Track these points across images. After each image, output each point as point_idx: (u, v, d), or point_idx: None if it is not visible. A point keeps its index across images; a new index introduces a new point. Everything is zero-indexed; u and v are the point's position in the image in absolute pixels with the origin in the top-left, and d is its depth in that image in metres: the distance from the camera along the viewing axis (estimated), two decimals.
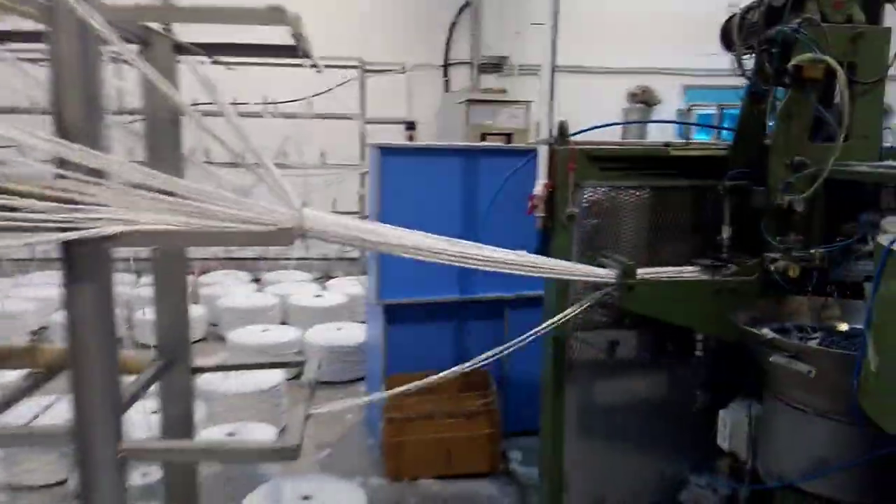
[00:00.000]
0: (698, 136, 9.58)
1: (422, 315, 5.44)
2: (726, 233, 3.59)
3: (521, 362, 5.39)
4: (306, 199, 2.13)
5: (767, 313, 3.30)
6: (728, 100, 10.26)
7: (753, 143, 3.69)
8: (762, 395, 3.20)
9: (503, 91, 9.87)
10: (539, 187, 3.77)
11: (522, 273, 3.04)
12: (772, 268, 3.27)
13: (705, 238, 3.82)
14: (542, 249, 3.87)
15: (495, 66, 11.73)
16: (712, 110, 11.18)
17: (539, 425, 4.09)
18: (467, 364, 2.89)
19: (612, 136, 6.98)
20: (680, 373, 3.98)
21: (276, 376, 5.84)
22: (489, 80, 11.42)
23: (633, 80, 11.15)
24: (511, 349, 3.03)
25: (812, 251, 3.24)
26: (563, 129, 3.71)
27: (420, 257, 2.39)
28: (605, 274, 3.43)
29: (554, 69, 3.71)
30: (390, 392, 2.90)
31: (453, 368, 2.91)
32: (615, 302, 3.38)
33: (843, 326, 3.19)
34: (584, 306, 3.47)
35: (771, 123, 3.53)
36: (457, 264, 2.56)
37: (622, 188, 3.83)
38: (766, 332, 2.96)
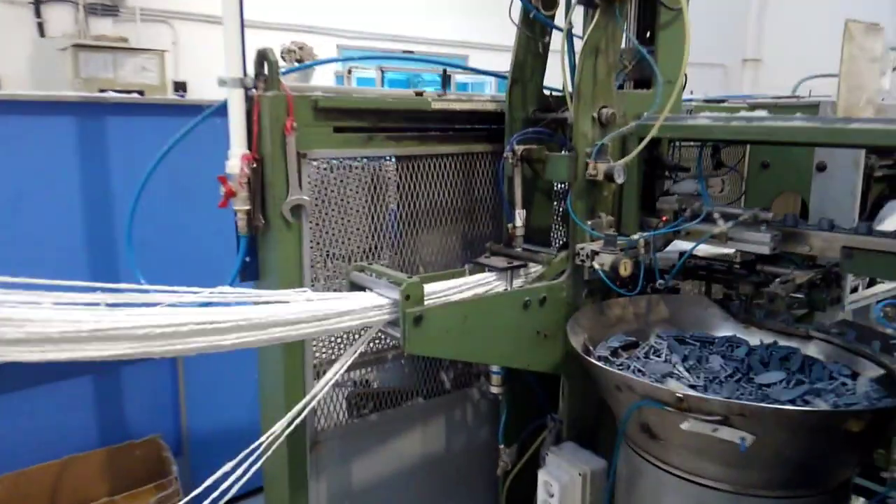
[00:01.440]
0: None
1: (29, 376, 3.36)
2: (520, 218, 2.55)
3: (205, 413, 3.77)
4: None
5: (597, 329, 2.36)
6: (387, 64, 9.65)
7: (536, 90, 2.70)
8: (611, 447, 2.26)
9: (123, 39, 7.56)
10: (234, 162, 2.22)
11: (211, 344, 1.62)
12: (595, 264, 2.32)
13: (485, 226, 2.74)
14: (249, 268, 2.35)
15: (108, 7, 9.09)
16: (372, 73, 10.45)
17: None
18: None
19: None
20: (472, 421, 2.89)
21: None
22: (103, 26, 8.81)
23: (286, 37, 9.73)
24: None
25: (636, 237, 2.39)
26: (266, 60, 2.21)
27: None
28: (373, 303, 2.10)
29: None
30: None
31: None
32: (399, 345, 2.09)
33: (722, 332, 2.42)
34: (340, 370, 2.10)
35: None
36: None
37: (368, 159, 2.51)
38: (674, 385, 1.97)
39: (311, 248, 2.39)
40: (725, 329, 2.49)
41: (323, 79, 9.76)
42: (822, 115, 3.46)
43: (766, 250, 2.21)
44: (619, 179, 2.34)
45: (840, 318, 2.72)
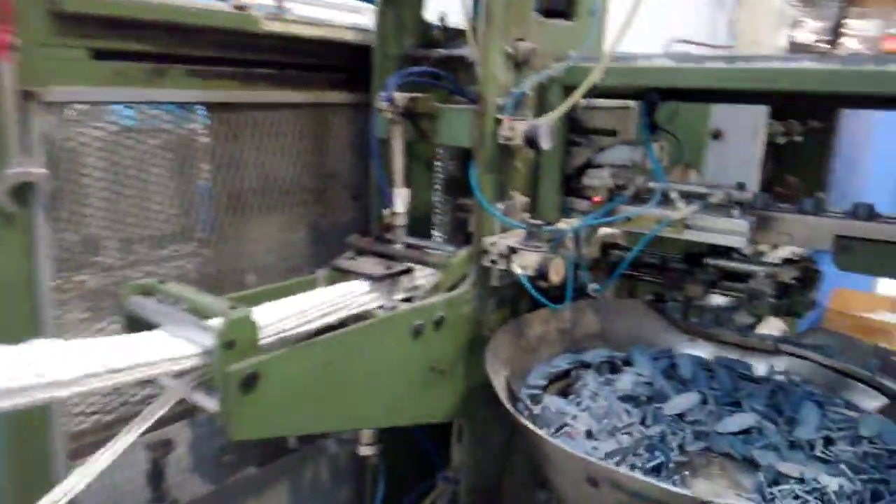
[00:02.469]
0: None
1: None
2: (402, 201, 1.74)
3: None
4: None
5: (518, 357, 1.65)
6: None
7: (415, 17, 1.90)
8: None
9: None
10: None
11: None
12: (515, 267, 1.59)
13: (345, 211, 1.91)
14: None
15: None
16: None
17: None
18: None
19: None
20: (329, 486, 2.07)
21: None
22: None
23: None
24: None
25: (565, 227, 1.70)
26: None
27: None
28: (164, 355, 1.21)
29: None
30: None
31: None
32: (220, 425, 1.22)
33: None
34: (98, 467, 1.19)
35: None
36: None
37: (159, 107, 1.56)
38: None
39: (56, 254, 1.42)
40: (666, 342, 1.91)
41: None
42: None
43: (742, 243, 1.62)
44: (546, 145, 1.62)
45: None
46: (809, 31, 6.56)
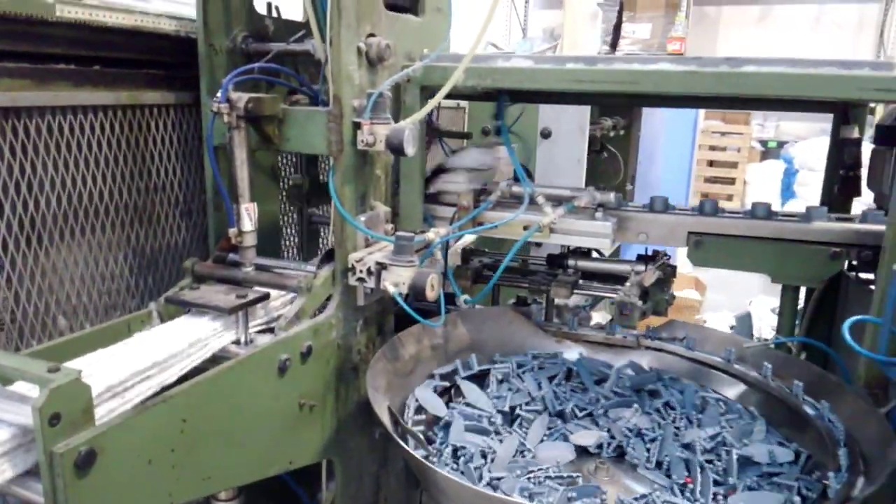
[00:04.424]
0: None
1: None
2: (249, 218, 1.51)
3: None
4: None
5: (396, 383, 1.50)
6: None
7: (245, 6, 1.67)
8: None
9: None
10: None
11: None
12: (387, 285, 1.45)
13: (174, 231, 1.64)
14: None
15: None
16: None
17: None
18: None
19: None
20: None
21: None
22: None
23: None
24: None
25: (433, 237, 1.58)
26: None
27: None
28: None
29: None
30: None
31: None
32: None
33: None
34: None
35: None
36: None
37: None
38: None
39: None
40: (534, 346, 1.88)
41: None
42: None
43: (607, 245, 1.63)
44: (410, 150, 1.49)
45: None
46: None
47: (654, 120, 4.84)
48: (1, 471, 0.94)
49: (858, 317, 1.22)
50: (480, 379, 1.67)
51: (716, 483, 1.31)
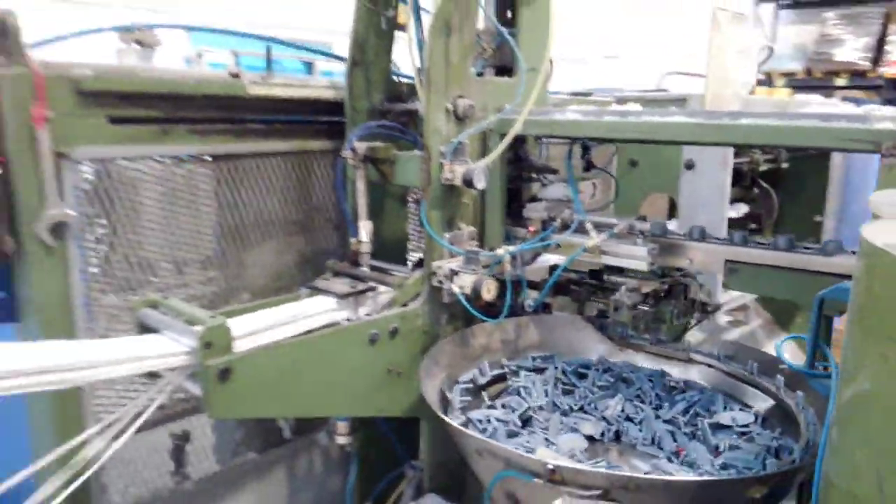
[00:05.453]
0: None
1: None
2: (365, 231, 2.10)
3: None
4: None
5: (459, 363, 1.96)
6: (243, 47, 8.81)
7: (383, 75, 2.27)
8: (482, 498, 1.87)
9: None
10: None
11: None
12: (454, 287, 1.92)
13: (328, 240, 2.28)
14: (3, 307, 1.76)
15: None
16: (225, 57, 9.56)
17: None
18: None
19: None
20: (320, 474, 2.40)
21: None
22: None
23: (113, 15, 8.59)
24: None
25: (501, 252, 2.01)
26: (3, 25, 1.61)
27: None
28: (161, 350, 1.58)
29: None
30: None
31: None
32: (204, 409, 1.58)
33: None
34: (123, 439, 1.56)
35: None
36: None
37: (158, 160, 1.95)
38: (545, 454, 1.55)
39: (87, 277, 1.81)
40: (599, 351, 2.19)
41: (168, 59, 8.76)
42: (691, 108, 3.30)
43: (643, 266, 1.92)
44: (480, 185, 1.95)
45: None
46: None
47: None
48: (184, 367, 1.59)
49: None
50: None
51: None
